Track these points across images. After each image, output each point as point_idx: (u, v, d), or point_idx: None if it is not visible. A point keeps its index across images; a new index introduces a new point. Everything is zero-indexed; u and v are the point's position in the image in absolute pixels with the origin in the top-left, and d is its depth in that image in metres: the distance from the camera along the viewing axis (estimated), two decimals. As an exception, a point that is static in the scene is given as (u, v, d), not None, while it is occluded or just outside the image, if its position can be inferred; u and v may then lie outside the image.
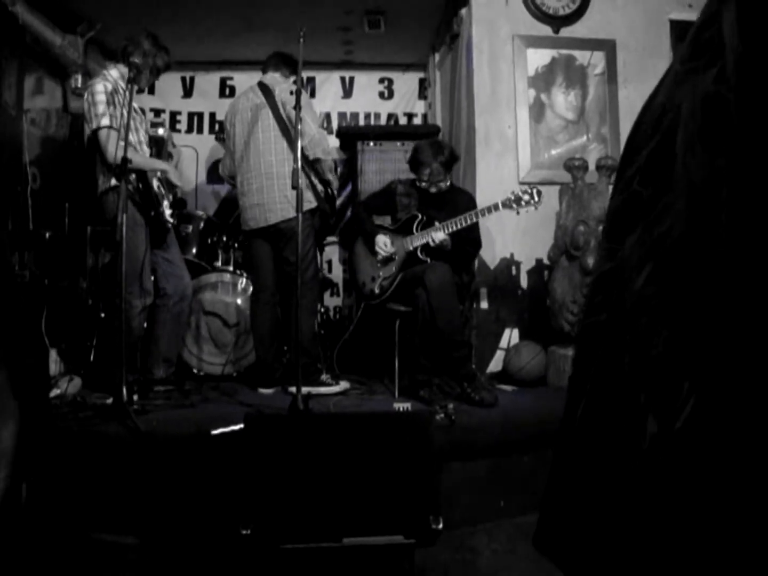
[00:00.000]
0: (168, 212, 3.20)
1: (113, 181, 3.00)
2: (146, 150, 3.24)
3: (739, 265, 0.56)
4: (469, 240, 3.34)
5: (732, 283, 0.56)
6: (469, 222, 3.17)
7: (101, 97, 3.00)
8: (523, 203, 3.11)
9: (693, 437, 0.56)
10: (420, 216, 3.33)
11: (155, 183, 3.13)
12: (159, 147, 3.34)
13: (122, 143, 2.76)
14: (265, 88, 3.44)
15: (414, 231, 3.32)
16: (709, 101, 0.61)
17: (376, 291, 3.37)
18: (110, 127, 2.97)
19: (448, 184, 3.47)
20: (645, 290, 0.63)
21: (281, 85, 3.45)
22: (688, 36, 0.70)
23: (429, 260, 3.26)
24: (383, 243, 3.34)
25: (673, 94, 0.68)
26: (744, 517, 0.54)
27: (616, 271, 0.71)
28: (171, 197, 3.27)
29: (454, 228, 3.18)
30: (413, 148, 3.44)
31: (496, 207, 3.13)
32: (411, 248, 3.30)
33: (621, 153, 0.80)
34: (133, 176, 3.01)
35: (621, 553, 0.64)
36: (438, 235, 3.16)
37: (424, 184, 3.36)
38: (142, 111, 3.49)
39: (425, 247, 3.27)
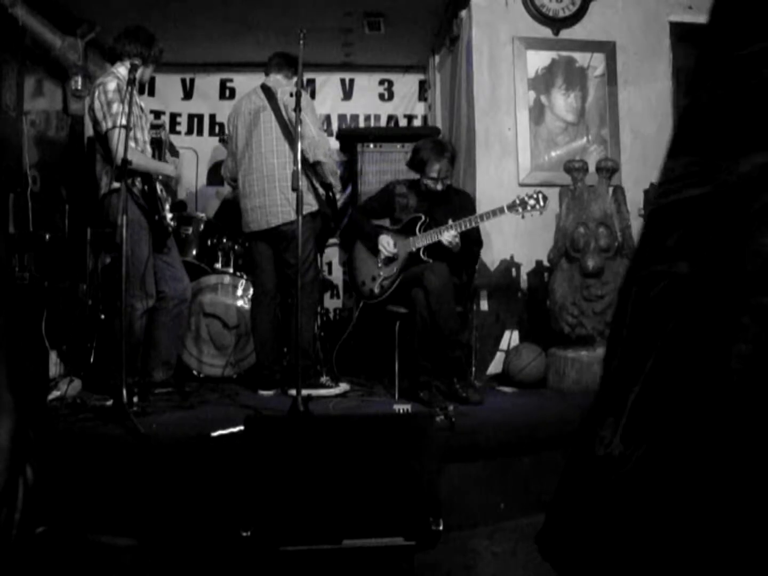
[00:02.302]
0: (169, 216, 3.21)
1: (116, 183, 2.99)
2: (149, 150, 3.24)
3: None
4: (472, 240, 3.35)
5: None
6: (476, 224, 3.18)
7: (115, 95, 2.98)
8: (528, 207, 3.11)
9: None
10: (423, 218, 3.32)
11: (158, 186, 3.13)
12: (159, 150, 3.34)
13: (131, 144, 2.74)
14: (267, 91, 3.44)
15: (417, 232, 3.31)
16: None
17: (376, 291, 3.36)
18: (125, 126, 2.96)
19: (448, 182, 3.48)
20: None
21: (284, 87, 3.45)
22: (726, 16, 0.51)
23: (430, 261, 3.26)
24: (386, 243, 3.33)
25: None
26: None
27: (716, 201, 0.47)
28: (170, 200, 3.27)
29: (464, 228, 3.17)
30: (414, 149, 3.43)
31: (501, 210, 3.14)
32: (414, 249, 3.29)
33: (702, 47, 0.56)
34: (138, 179, 3.01)
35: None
36: (450, 233, 3.14)
37: (430, 183, 3.33)
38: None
39: (428, 248, 3.27)
